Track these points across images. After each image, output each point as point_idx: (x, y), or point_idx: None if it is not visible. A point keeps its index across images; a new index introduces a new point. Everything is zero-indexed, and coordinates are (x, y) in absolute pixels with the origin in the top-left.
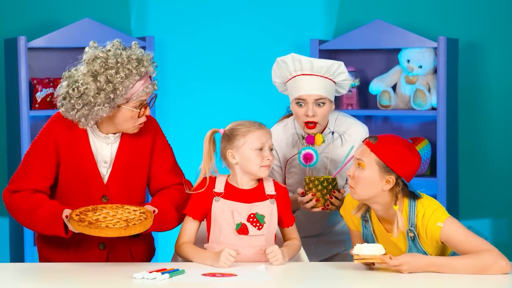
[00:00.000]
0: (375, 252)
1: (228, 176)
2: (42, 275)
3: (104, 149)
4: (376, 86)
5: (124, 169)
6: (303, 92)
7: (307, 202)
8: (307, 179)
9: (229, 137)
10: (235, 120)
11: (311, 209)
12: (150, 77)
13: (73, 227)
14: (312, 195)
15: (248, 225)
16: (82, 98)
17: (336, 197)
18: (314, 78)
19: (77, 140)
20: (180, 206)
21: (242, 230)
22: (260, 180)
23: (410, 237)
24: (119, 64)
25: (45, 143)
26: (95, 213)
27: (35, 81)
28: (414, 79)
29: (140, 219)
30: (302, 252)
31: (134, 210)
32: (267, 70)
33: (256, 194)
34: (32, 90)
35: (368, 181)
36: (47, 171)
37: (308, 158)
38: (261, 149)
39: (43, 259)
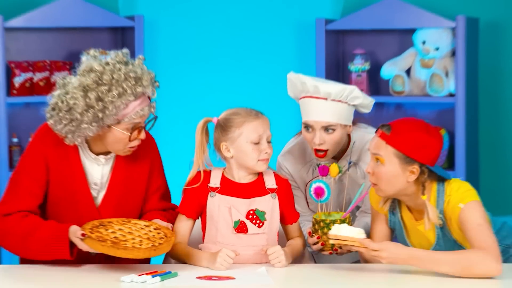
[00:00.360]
0: (354, 235)
1: (224, 169)
2: (23, 278)
3: (95, 170)
4: (389, 70)
5: (119, 192)
6: (309, 117)
7: (315, 243)
8: (313, 219)
9: (222, 127)
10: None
11: (320, 251)
12: (149, 97)
13: (91, 247)
14: (318, 238)
15: (247, 222)
16: (70, 112)
17: None
18: (322, 102)
19: (68, 158)
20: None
21: (240, 228)
22: (259, 173)
23: (439, 225)
24: (114, 81)
25: (34, 158)
26: (106, 229)
27: (12, 65)
28: (430, 62)
29: (162, 237)
30: (307, 252)
31: (146, 226)
32: (268, 54)
33: (255, 188)
34: (10, 75)
35: (390, 176)
36: (38, 188)
37: (319, 193)
38: (258, 142)
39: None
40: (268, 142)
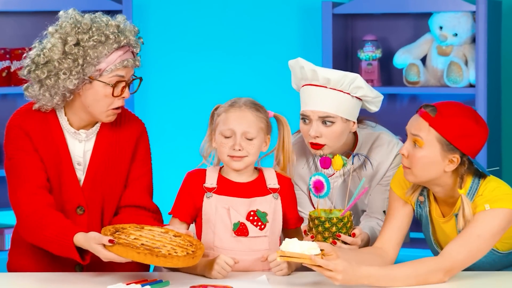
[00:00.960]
0: (304, 250)
1: (221, 167)
2: (9, 286)
3: (76, 147)
4: (402, 58)
5: (100, 171)
6: (306, 107)
7: None
8: (309, 216)
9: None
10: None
11: None
12: (133, 52)
13: (120, 255)
14: (312, 237)
15: (248, 224)
16: (47, 65)
17: (344, 242)
18: (321, 90)
19: (52, 135)
20: None
21: (240, 230)
22: (260, 171)
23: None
24: (94, 29)
25: (19, 138)
26: (126, 236)
27: None
28: (448, 49)
29: (189, 245)
30: None
31: (162, 232)
32: (270, 40)
33: (255, 187)
34: None
35: (427, 162)
36: (37, 161)
37: (318, 187)
38: (228, 136)
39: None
40: (249, 139)
